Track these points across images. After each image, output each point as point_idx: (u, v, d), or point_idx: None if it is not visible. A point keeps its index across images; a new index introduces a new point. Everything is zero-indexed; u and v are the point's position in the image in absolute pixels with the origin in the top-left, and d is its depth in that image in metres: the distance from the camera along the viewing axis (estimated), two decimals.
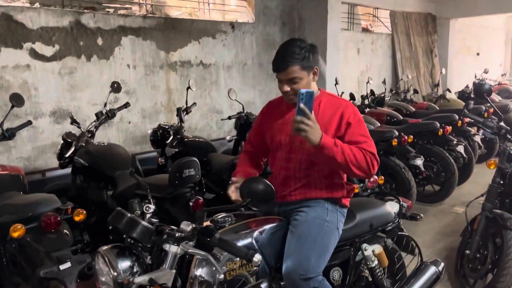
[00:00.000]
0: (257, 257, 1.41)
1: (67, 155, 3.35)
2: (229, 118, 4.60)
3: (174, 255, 1.52)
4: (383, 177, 3.75)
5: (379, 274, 2.23)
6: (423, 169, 4.36)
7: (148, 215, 1.67)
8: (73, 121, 3.56)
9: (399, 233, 2.42)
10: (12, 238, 2.11)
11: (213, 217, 1.80)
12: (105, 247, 1.55)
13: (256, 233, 1.78)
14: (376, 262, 2.21)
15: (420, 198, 4.86)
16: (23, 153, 4.31)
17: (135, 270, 1.52)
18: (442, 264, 2.43)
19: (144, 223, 1.53)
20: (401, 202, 2.43)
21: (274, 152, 2.05)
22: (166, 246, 1.52)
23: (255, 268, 1.73)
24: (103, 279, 1.52)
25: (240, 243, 1.71)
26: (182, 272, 1.63)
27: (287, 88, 1.90)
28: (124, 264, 1.50)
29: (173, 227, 1.58)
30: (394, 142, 4.27)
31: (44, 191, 3.49)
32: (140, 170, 3.52)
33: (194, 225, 1.55)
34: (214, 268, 1.61)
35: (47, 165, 4.39)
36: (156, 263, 1.55)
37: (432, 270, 2.37)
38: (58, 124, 4.41)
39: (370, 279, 2.31)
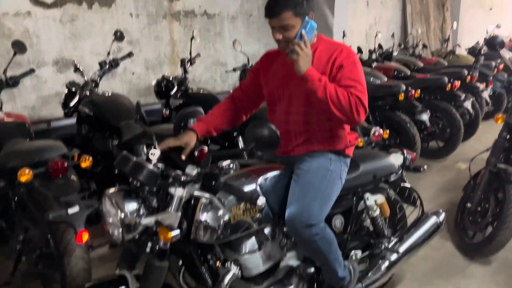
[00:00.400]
0: (261, 200, 1.43)
1: (72, 104, 3.35)
2: (234, 70, 4.55)
3: (179, 198, 1.55)
4: (388, 131, 3.74)
5: (380, 223, 2.28)
6: (428, 124, 4.35)
7: (153, 161, 1.68)
8: (76, 69, 3.53)
9: (402, 184, 2.44)
10: (20, 183, 2.15)
11: (217, 164, 1.82)
12: (111, 190, 1.58)
13: (260, 180, 1.81)
14: (378, 211, 2.25)
15: (424, 153, 4.88)
16: (28, 102, 4.31)
17: (141, 212, 1.55)
18: (443, 214, 2.48)
19: (150, 166, 1.55)
20: (405, 154, 2.44)
21: (273, 106, 2.01)
22: (172, 190, 1.55)
23: (258, 215, 1.76)
24: (111, 220, 1.56)
25: (245, 189, 1.73)
26: (188, 217, 1.67)
27: (279, 36, 1.82)
28: (131, 206, 1.53)
29: (178, 171, 1.60)
30: (401, 96, 4.23)
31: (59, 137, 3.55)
32: (145, 118, 3.53)
33: (199, 169, 1.57)
34: (218, 213, 1.65)
35: (52, 115, 4.40)
36: (162, 207, 1.59)
37: (432, 220, 2.41)
38: (61, 73, 4.39)
39: (371, 228, 2.37)
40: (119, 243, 1.56)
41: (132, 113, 3.39)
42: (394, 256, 2.26)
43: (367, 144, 3.57)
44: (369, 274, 2.24)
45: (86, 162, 2.40)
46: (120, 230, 1.52)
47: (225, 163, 1.83)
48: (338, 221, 2.11)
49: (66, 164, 2.24)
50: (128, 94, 4.99)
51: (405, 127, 4.27)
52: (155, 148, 1.74)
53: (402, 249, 2.28)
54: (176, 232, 1.46)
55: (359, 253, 2.16)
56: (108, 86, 4.76)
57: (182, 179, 1.53)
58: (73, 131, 3.66)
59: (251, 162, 1.99)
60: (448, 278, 2.78)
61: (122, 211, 1.50)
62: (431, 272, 2.85)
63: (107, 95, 3.47)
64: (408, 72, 5.75)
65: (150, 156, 1.68)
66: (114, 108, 3.34)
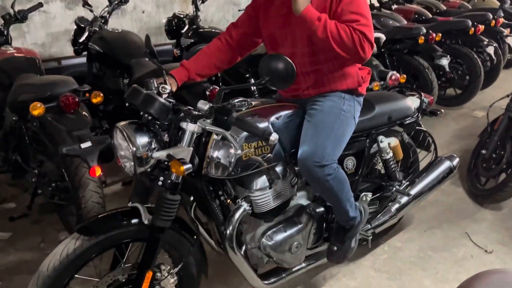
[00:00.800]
0: (274, 136, 1.41)
1: (81, 40, 3.30)
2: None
3: (191, 133, 1.53)
4: (405, 76, 3.64)
5: (392, 166, 2.27)
6: (448, 69, 4.22)
7: (164, 95, 1.66)
8: (85, 3, 3.44)
9: (416, 128, 2.40)
10: (33, 117, 2.16)
11: (230, 101, 1.79)
12: (122, 123, 1.56)
13: (272, 118, 1.78)
14: (390, 154, 2.23)
15: (441, 101, 4.78)
16: (38, 39, 4.26)
17: (153, 146, 1.55)
18: (457, 159, 2.45)
19: (161, 99, 1.52)
20: (422, 97, 2.38)
21: (274, 49, 1.92)
22: (184, 124, 1.53)
23: (269, 153, 1.75)
24: (122, 153, 1.56)
25: (258, 127, 1.71)
26: (199, 153, 1.66)
27: None
28: (142, 139, 1.53)
29: (190, 107, 1.58)
30: (421, 39, 4.07)
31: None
32: (155, 52, 3.47)
33: (211, 104, 1.54)
34: (230, 150, 1.64)
35: (62, 53, 4.36)
36: (173, 141, 1.58)
37: (446, 164, 2.40)
38: (70, 10, 4.29)
39: (383, 171, 2.37)
40: (132, 177, 1.58)
41: (143, 50, 3.34)
42: (404, 199, 2.28)
43: (383, 88, 3.50)
44: (379, 215, 2.27)
45: (97, 98, 2.39)
46: (132, 163, 1.52)
47: (237, 100, 1.79)
48: (350, 163, 2.10)
49: (77, 99, 2.24)
50: (138, 33, 4.88)
51: (423, 72, 4.15)
52: (166, 83, 1.71)
53: (413, 192, 2.29)
54: (189, 165, 1.46)
55: (369, 195, 2.16)
56: (118, 24, 4.66)
57: (194, 114, 1.51)
58: (84, 69, 3.64)
59: (264, 101, 1.96)
60: (457, 222, 2.81)
61: (133, 144, 1.50)
62: (440, 216, 2.88)
63: (116, 31, 3.40)
64: (430, 16, 5.51)
65: (161, 90, 1.66)
66: (125, 45, 3.28)
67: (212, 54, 1.97)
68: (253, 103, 1.85)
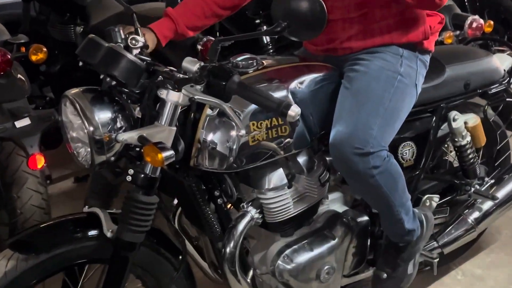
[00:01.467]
0: (295, 110, 1.41)
1: None
2: None
3: (174, 105, 1.54)
4: (491, 23, 3.61)
5: (470, 156, 2.27)
6: None
7: (135, 51, 1.67)
8: None
9: (507, 100, 2.39)
10: None
11: (230, 59, 1.79)
12: (74, 90, 1.58)
13: (293, 84, 1.77)
14: (468, 138, 2.23)
15: None
16: None
17: (118, 124, 1.56)
18: None
19: (130, 56, 1.53)
20: None
21: None
22: (163, 93, 1.54)
23: (287, 139, 1.76)
24: (74, 134, 1.58)
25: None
26: (186, 137, 1.68)
27: None
28: (103, 115, 1.53)
29: (172, 68, 1.58)
30: None
31: None
32: None
33: (203, 63, 1.55)
34: (231, 130, 1.65)
35: None
36: (148, 118, 1.60)
37: None
38: None
39: (456, 163, 2.36)
40: (88, 170, 1.60)
41: None
42: (486, 205, 2.28)
43: (459, 41, 3.49)
44: (449, 228, 2.27)
45: (38, 55, 2.42)
46: (88, 149, 1.54)
47: (242, 58, 1.80)
48: (408, 151, 2.10)
49: (9, 56, 2.25)
50: None
51: None
52: (137, 33, 1.72)
53: (500, 194, 2.29)
54: (170, 152, 1.47)
55: (436, 198, 2.17)
56: None
57: (178, 77, 1.52)
58: (19, 11, 3.66)
59: (281, 59, 1.97)
60: None
61: (89, 121, 1.51)
62: None
63: None
64: None
65: (130, 43, 1.67)
66: None
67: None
68: (266, 62, 1.86)
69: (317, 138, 1.87)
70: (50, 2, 3.43)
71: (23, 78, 2.36)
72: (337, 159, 1.80)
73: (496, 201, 2.27)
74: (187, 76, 1.54)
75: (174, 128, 1.57)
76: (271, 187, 1.81)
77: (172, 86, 1.53)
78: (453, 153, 2.35)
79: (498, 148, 2.44)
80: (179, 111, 1.57)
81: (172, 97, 1.54)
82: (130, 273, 1.72)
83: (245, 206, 1.82)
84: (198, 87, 1.52)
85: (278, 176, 1.81)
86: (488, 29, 3.65)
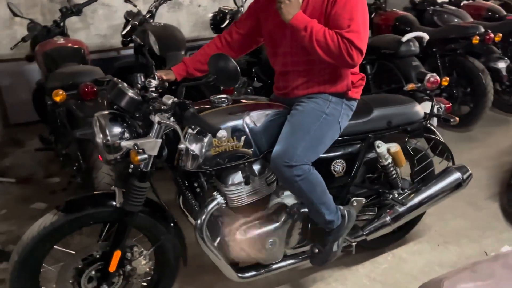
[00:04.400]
0: (222, 133, 1.46)
1: (123, 33, 3.55)
2: None
3: (158, 125, 1.63)
4: (447, 79, 3.41)
5: (392, 173, 2.17)
6: (504, 73, 3.85)
7: (150, 89, 1.77)
8: (127, 0, 3.68)
9: (425, 135, 2.26)
10: (55, 102, 2.41)
11: (210, 97, 1.86)
12: (101, 112, 1.70)
13: (249, 115, 1.80)
14: (389, 160, 2.13)
15: (503, 106, 4.40)
16: (101, 30, 4.65)
17: (125, 136, 1.66)
18: (469, 172, 2.27)
19: (131, 94, 1.63)
20: (433, 102, 2.23)
21: (274, 47, 1.94)
22: (152, 117, 1.63)
23: (241, 149, 1.78)
24: (97, 140, 1.70)
25: (229, 124, 1.76)
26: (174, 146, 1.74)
27: None
28: (115, 129, 1.64)
29: (159, 100, 1.67)
30: (475, 39, 3.75)
31: (114, 67, 3.83)
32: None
33: (174, 99, 1.62)
34: (199, 143, 1.71)
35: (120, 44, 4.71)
36: (145, 133, 1.69)
37: (454, 176, 2.23)
38: (129, 4, 4.59)
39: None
40: (104, 162, 1.71)
41: (182, 45, 3.49)
42: (400, 208, 2.17)
43: (420, 90, 3.32)
44: (372, 222, 2.19)
45: None
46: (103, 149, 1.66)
47: (218, 96, 1.86)
48: (338, 166, 2.04)
49: (95, 88, 2.44)
50: (194, 26, 5.11)
51: (476, 75, 3.82)
52: (153, 77, 1.82)
53: (410, 202, 2.17)
54: (144, 156, 1.56)
55: (361, 200, 2.10)
56: (174, 18, 4.91)
57: (157, 107, 1.60)
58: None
59: (250, 98, 1.99)
60: (479, 240, 2.60)
61: (104, 133, 1.62)
62: (462, 231, 2.69)
63: (158, 25, 3.59)
64: (504, 13, 5.02)
65: (147, 84, 1.77)
66: (163, 38, 3.45)
67: (210, 52, 2.03)
68: (236, 100, 1.90)
69: (267, 153, 1.88)
70: (151, 55, 3.61)
71: (105, 103, 2.53)
72: (273, 168, 1.80)
73: (406, 206, 2.15)
74: (165, 107, 1.62)
75: (159, 140, 1.65)
76: (232, 183, 1.84)
77: (154, 112, 1.61)
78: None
79: (416, 169, 2.30)
80: (163, 129, 1.65)
81: (156, 120, 1.62)
82: (137, 230, 1.83)
83: (215, 194, 1.86)
84: (166, 114, 1.60)
85: (237, 176, 1.85)
86: (445, 83, 3.45)
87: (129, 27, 3.53)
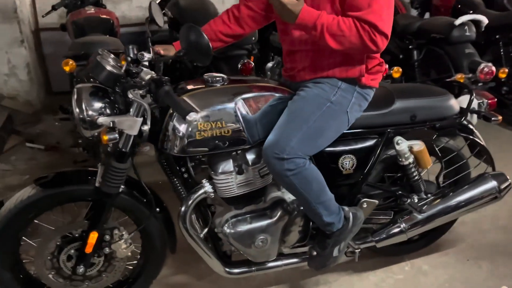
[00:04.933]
0: (192, 116, 1.29)
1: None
2: None
3: (136, 102, 1.49)
4: (506, 70, 3.00)
5: (413, 174, 1.90)
6: None
7: (143, 63, 1.63)
8: None
9: (458, 134, 1.95)
10: (66, 72, 2.35)
11: (204, 75, 1.69)
12: (82, 85, 1.59)
13: (240, 98, 1.61)
14: (411, 160, 1.86)
15: None
16: (142, 2, 4.59)
17: (106, 112, 1.54)
18: (508, 182, 1.93)
19: (109, 68, 1.50)
20: (472, 96, 1.90)
21: (283, 25, 1.71)
22: (129, 93, 1.49)
23: (229, 135, 1.61)
24: (74, 114, 1.60)
25: (218, 107, 1.59)
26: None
27: None
28: (95, 104, 1.51)
29: (140, 74, 1.52)
30: None
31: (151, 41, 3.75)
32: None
33: (154, 75, 1.47)
34: (182, 125, 1.56)
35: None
36: (125, 110, 1.56)
37: (489, 184, 1.91)
38: None
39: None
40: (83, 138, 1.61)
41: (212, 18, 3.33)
42: (419, 216, 1.89)
43: (471, 82, 2.94)
44: (386, 228, 1.94)
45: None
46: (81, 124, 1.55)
47: (210, 75, 1.69)
48: (347, 162, 1.80)
49: None
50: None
51: None
52: (148, 51, 1.68)
53: (431, 210, 1.88)
54: (113, 135, 1.43)
55: (373, 202, 1.86)
56: None
57: (132, 83, 1.46)
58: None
59: (251, 79, 1.80)
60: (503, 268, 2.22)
61: (81, 107, 1.51)
62: (500, 247, 2.33)
63: None
64: None
65: (139, 58, 1.64)
66: (195, 13, 3.31)
67: (216, 27, 1.86)
68: (234, 80, 1.72)
69: (261, 142, 1.68)
70: (177, 28, 3.47)
71: None
72: (264, 159, 1.61)
73: (423, 215, 1.87)
74: (142, 82, 1.47)
75: (139, 119, 1.52)
76: (221, 171, 1.67)
77: (128, 89, 1.47)
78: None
79: (443, 172, 1.98)
80: (142, 107, 1.51)
81: (136, 97, 1.48)
82: (119, 211, 1.73)
83: (203, 182, 1.71)
84: (140, 91, 1.45)
85: (227, 164, 1.68)
86: (502, 75, 3.02)
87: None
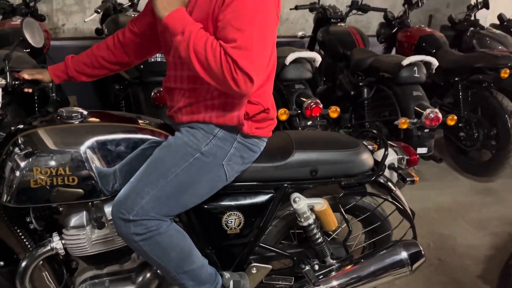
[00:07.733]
0: None
1: (86, 20, 3.20)
2: (296, 8, 3.81)
3: None
4: (455, 117, 2.75)
5: (316, 237, 1.62)
6: None
7: None
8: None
9: (368, 194, 1.67)
10: None
11: (58, 110, 1.42)
12: None
13: (97, 143, 1.35)
14: (310, 221, 1.59)
15: None
16: (96, 15, 4.35)
17: None
18: (421, 259, 1.65)
19: None
20: (386, 151, 1.64)
21: (166, 55, 1.46)
22: None
23: (76, 188, 1.34)
24: None
25: (64, 149, 1.32)
26: None
27: None
28: None
29: None
30: (504, 73, 3.03)
31: None
32: None
33: None
34: (16, 171, 1.28)
35: None
36: None
37: (397, 256, 1.63)
38: None
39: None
40: None
41: None
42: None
43: (417, 128, 2.71)
44: None
45: None
46: None
47: (68, 109, 1.42)
48: (234, 220, 1.53)
49: None
50: None
51: (502, 117, 3.10)
52: (4, 76, 1.42)
53: (327, 284, 1.60)
54: None
55: (265, 268, 1.58)
56: None
57: None
58: None
59: (117, 117, 1.53)
60: None
61: None
62: None
63: None
64: None
65: None
66: None
67: (99, 52, 1.60)
68: (99, 115, 1.45)
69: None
70: None
71: None
72: (112, 219, 1.33)
73: None
74: None
75: None
76: (72, 225, 1.40)
77: None
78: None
79: (349, 236, 1.70)
80: None
81: None
82: None
83: (53, 236, 1.43)
84: None
85: (79, 218, 1.40)
86: (450, 122, 2.79)
87: (93, 15, 3.12)
